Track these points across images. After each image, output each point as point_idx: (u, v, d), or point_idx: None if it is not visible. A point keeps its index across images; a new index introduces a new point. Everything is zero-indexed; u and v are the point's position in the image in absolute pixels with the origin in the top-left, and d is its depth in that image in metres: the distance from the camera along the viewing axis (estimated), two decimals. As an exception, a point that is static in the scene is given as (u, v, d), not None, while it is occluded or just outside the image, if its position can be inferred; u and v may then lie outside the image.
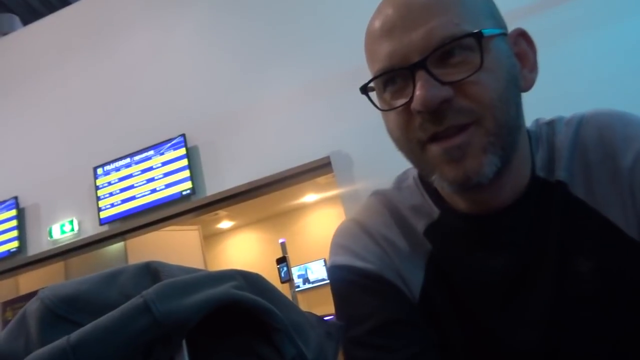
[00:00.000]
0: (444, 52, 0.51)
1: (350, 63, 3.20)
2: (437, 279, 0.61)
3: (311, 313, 0.41)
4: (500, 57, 0.53)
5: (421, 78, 0.50)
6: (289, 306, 0.38)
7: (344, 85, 2.98)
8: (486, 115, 0.51)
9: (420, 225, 0.64)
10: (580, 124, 0.60)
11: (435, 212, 0.64)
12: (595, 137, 0.58)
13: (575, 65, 2.53)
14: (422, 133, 0.53)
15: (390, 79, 0.54)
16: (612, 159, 0.56)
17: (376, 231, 0.64)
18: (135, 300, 0.34)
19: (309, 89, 3.11)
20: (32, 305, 0.34)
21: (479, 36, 0.50)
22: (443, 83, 0.50)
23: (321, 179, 4.30)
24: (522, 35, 0.58)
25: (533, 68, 0.58)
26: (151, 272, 0.36)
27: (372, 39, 0.56)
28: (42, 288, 0.35)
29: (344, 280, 0.62)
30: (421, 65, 0.50)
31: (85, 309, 0.34)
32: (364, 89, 0.58)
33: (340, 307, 0.62)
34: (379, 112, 0.57)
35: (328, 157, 2.91)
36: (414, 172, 0.68)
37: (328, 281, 0.65)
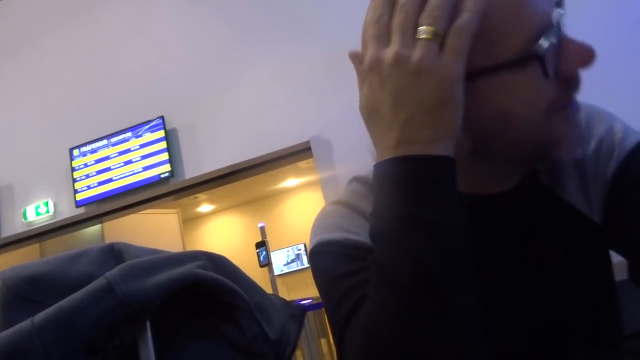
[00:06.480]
0: None
1: (332, 47, 3.19)
2: None
3: (276, 296, 0.42)
4: None
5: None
6: (253, 288, 0.38)
7: (325, 70, 2.96)
8: None
9: None
10: None
11: None
12: None
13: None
14: (564, 99, 0.48)
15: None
16: None
17: (367, 211, 0.55)
18: (99, 282, 0.35)
19: (289, 73, 3.08)
20: (-6, 286, 0.34)
21: None
22: None
23: (302, 164, 4.29)
24: None
25: None
26: (115, 253, 0.36)
27: (515, 6, 0.47)
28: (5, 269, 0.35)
29: (337, 254, 0.54)
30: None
31: (48, 289, 0.35)
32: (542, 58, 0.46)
33: (331, 284, 0.53)
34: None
35: (308, 142, 2.90)
36: None
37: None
